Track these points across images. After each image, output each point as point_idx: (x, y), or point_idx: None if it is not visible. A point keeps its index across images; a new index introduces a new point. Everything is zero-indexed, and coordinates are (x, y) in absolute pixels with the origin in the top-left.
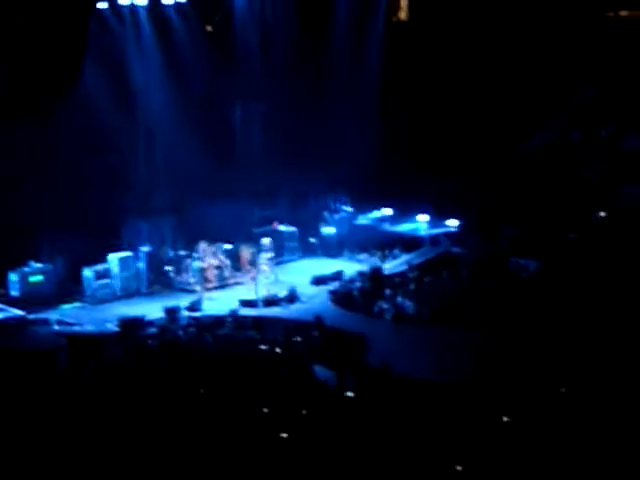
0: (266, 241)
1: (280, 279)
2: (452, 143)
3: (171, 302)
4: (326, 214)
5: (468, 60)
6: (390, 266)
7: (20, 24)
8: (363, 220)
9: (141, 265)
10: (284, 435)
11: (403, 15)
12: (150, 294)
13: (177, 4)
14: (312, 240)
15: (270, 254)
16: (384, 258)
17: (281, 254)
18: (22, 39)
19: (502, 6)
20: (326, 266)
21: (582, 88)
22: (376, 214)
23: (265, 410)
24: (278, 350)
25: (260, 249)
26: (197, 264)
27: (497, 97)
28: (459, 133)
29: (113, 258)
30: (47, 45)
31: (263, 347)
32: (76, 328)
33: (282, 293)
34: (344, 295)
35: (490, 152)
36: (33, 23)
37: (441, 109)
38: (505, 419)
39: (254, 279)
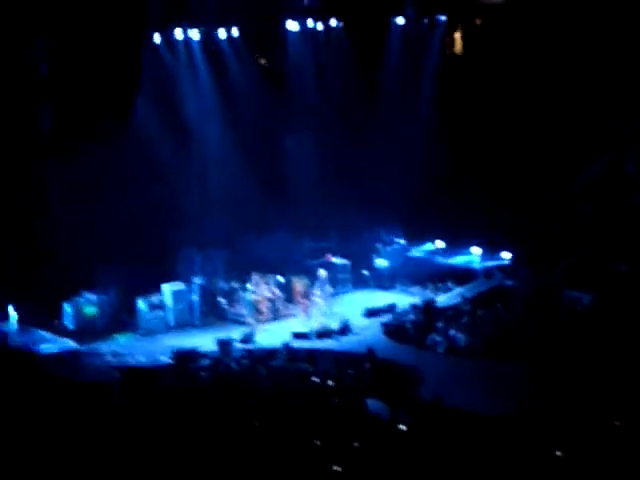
0: (323, 273)
1: (333, 311)
2: (505, 174)
3: (224, 334)
4: (379, 246)
5: (521, 91)
6: (443, 299)
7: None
8: (416, 252)
9: (194, 297)
10: (337, 468)
11: (458, 48)
12: (203, 326)
13: (230, 37)
14: (365, 272)
15: (327, 287)
16: (437, 291)
17: (334, 286)
18: (77, 71)
19: (554, 36)
20: (379, 298)
21: (635, 117)
22: (429, 246)
23: (317, 443)
24: (330, 382)
25: (315, 281)
26: (250, 296)
27: (551, 128)
28: (513, 164)
29: (167, 289)
30: (101, 78)
31: (316, 379)
32: (129, 360)
33: (334, 325)
34: (397, 327)
35: (544, 183)
36: (88, 55)
37: (494, 140)
38: (558, 453)
39: (307, 311)
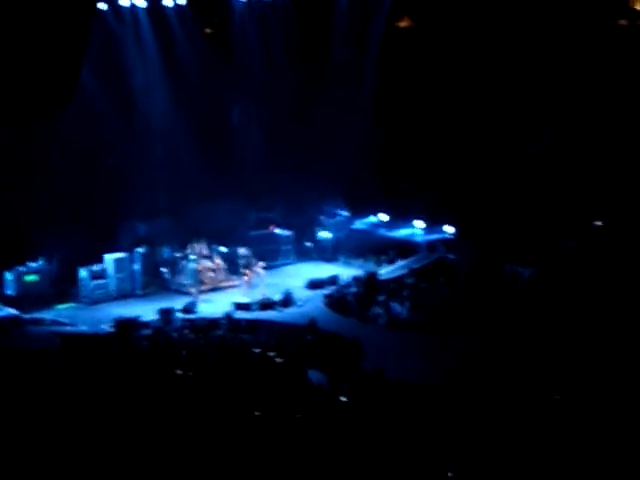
0: (243, 251)
1: (275, 282)
2: (449, 148)
3: (165, 304)
4: (322, 218)
5: (464, 65)
6: (385, 271)
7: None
8: (359, 225)
9: (136, 266)
10: (276, 439)
11: (405, 23)
12: (145, 295)
13: (177, 6)
14: (308, 244)
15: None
16: (379, 263)
17: (276, 258)
18: (22, 40)
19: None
20: (321, 270)
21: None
22: (372, 219)
23: (257, 413)
24: (272, 354)
25: (238, 259)
26: (192, 266)
27: (494, 103)
28: (456, 138)
29: (109, 259)
30: (46, 46)
31: (257, 350)
32: (70, 328)
33: (277, 296)
34: (339, 300)
35: (487, 158)
36: (33, 24)
37: (438, 115)
38: (496, 423)
39: (249, 282)
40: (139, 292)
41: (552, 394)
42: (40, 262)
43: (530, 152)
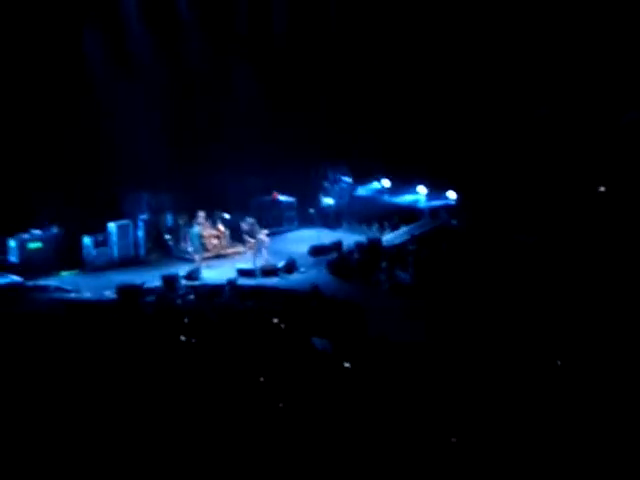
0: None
1: (278, 249)
2: (453, 115)
3: (169, 270)
4: (326, 185)
5: (466, 31)
6: (388, 238)
7: None
8: (362, 191)
9: (139, 233)
10: (280, 405)
11: None
12: (148, 262)
13: None
14: (311, 210)
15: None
16: (383, 230)
17: (280, 224)
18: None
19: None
20: (325, 237)
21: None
22: (375, 185)
23: (262, 379)
24: (276, 320)
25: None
26: (196, 233)
27: (498, 69)
28: (460, 104)
29: (112, 226)
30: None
31: (261, 317)
32: (74, 295)
33: (280, 263)
34: (342, 266)
35: (490, 124)
36: None
37: (442, 79)
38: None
39: (252, 249)
40: (142, 259)
41: (553, 359)
42: (43, 230)
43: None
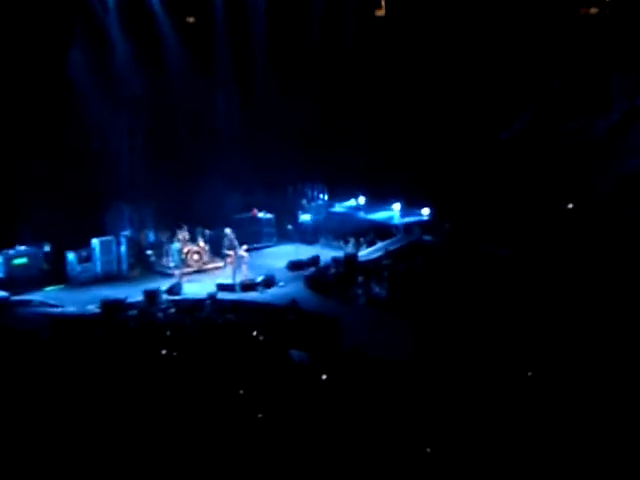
0: (228, 231)
1: (258, 264)
2: (426, 134)
3: (151, 285)
4: (303, 202)
5: (438, 53)
6: (364, 253)
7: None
8: (339, 208)
9: (122, 248)
10: (259, 415)
11: (381, 12)
12: (130, 278)
13: None
14: (289, 227)
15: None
16: (358, 245)
17: (259, 240)
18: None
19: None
20: (302, 252)
21: (548, 81)
22: (351, 202)
23: (241, 391)
24: (254, 333)
25: (224, 238)
26: (176, 248)
27: (469, 89)
28: (432, 124)
29: (95, 242)
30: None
31: (240, 330)
32: (58, 309)
33: (259, 278)
34: (319, 280)
35: (462, 143)
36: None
37: (416, 97)
38: (473, 400)
39: (232, 264)
40: (124, 274)
41: (526, 371)
42: (29, 245)
43: (502, 137)
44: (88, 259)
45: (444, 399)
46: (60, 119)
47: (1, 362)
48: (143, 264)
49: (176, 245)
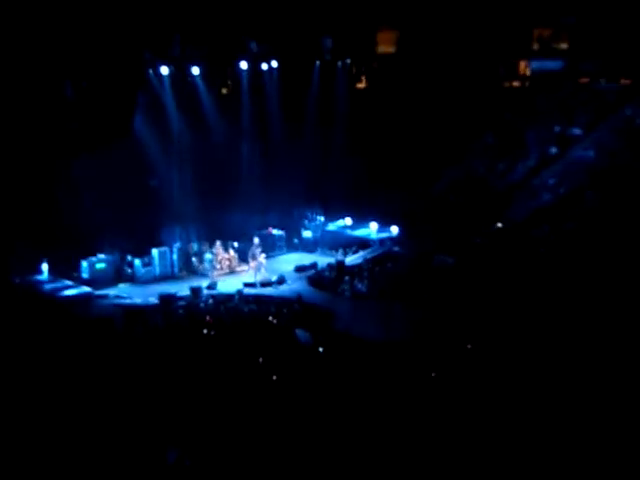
0: (256, 240)
1: (273, 268)
2: (395, 174)
3: (195, 283)
4: (305, 222)
5: (399, 115)
6: (350, 260)
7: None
8: (331, 227)
9: (174, 257)
10: (274, 377)
11: (362, 85)
12: (180, 278)
13: (201, 73)
14: (295, 240)
15: (259, 250)
16: (346, 254)
17: (273, 250)
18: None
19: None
20: (305, 259)
21: (483, 135)
22: (341, 222)
23: (261, 359)
24: (270, 318)
25: (251, 246)
26: (213, 256)
27: (421, 141)
28: (404, 168)
29: (155, 251)
30: (111, 99)
31: (260, 316)
32: (128, 301)
33: (274, 278)
34: (317, 280)
35: (421, 181)
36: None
37: (387, 149)
38: (432, 374)
39: (254, 268)
40: (176, 275)
41: (466, 344)
42: (107, 254)
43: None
44: (149, 264)
45: (413, 372)
46: (132, 165)
47: (83, 343)
48: (189, 268)
49: (208, 255)
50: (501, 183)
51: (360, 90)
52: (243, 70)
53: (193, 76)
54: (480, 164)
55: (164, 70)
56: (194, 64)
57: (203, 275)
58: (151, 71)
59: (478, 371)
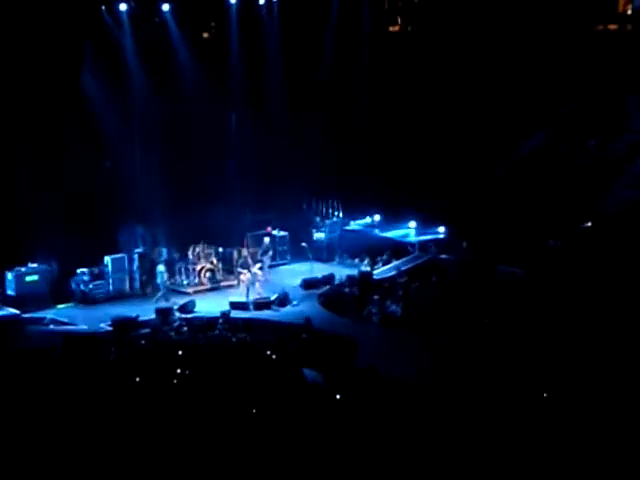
0: (267, 240)
1: (271, 281)
2: (443, 153)
3: (163, 303)
4: (317, 219)
5: (457, 72)
6: (379, 271)
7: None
8: (353, 226)
9: (134, 266)
10: (273, 437)
11: (396, 27)
12: (142, 295)
13: (174, 10)
14: (303, 244)
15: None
16: (373, 264)
17: (273, 258)
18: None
19: (492, 20)
20: (316, 270)
21: (569, 100)
22: (366, 220)
23: (254, 411)
24: (269, 352)
25: (259, 248)
26: (189, 266)
27: (487, 107)
28: (450, 141)
29: (108, 259)
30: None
31: (254, 349)
32: (70, 327)
33: (273, 296)
34: (334, 299)
35: (479, 161)
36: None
37: (433, 118)
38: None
39: (245, 282)
40: (136, 292)
41: (541, 392)
42: (40, 263)
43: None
44: (100, 276)
45: (459, 422)
46: (73, 137)
47: (14, 380)
48: (155, 281)
49: (189, 263)
50: (592, 164)
51: (394, 34)
52: (231, 4)
53: (163, 14)
54: (563, 138)
55: (122, 6)
56: None
57: (175, 292)
58: (104, 8)
59: (557, 433)
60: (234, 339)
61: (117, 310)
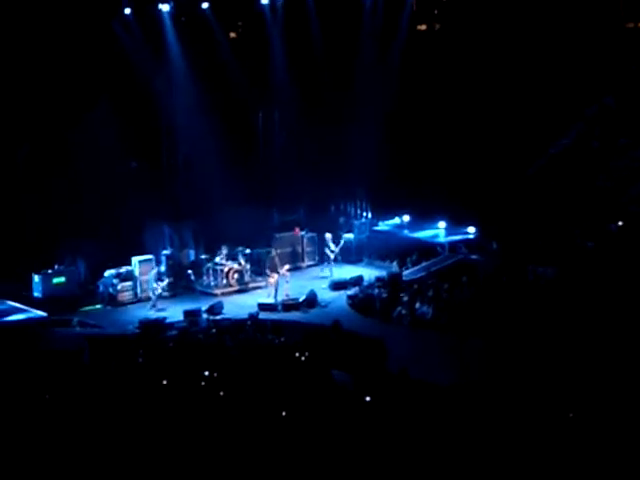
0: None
1: (300, 284)
2: (473, 152)
3: (191, 305)
4: (344, 220)
5: (487, 71)
6: (408, 272)
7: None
8: (382, 226)
9: (162, 268)
10: (301, 440)
11: (423, 26)
12: (170, 297)
13: (202, 11)
14: (332, 245)
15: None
16: (403, 265)
17: (302, 259)
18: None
19: (522, 18)
20: (345, 271)
21: (601, 97)
22: (395, 220)
23: (283, 413)
24: (297, 354)
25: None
26: (217, 267)
27: (518, 107)
28: (481, 140)
29: (135, 261)
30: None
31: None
32: (97, 330)
33: (301, 298)
34: (363, 300)
35: (509, 161)
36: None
37: (462, 118)
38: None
39: (274, 283)
40: (164, 293)
41: (567, 410)
42: (67, 265)
43: (551, 151)
44: (128, 278)
45: (489, 428)
46: (100, 139)
47: (41, 383)
48: (183, 283)
49: (217, 265)
50: (624, 163)
51: (421, 33)
52: (262, 4)
53: (192, 15)
54: (595, 136)
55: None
56: None
57: (203, 293)
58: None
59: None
60: (262, 341)
61: (144, 313)
